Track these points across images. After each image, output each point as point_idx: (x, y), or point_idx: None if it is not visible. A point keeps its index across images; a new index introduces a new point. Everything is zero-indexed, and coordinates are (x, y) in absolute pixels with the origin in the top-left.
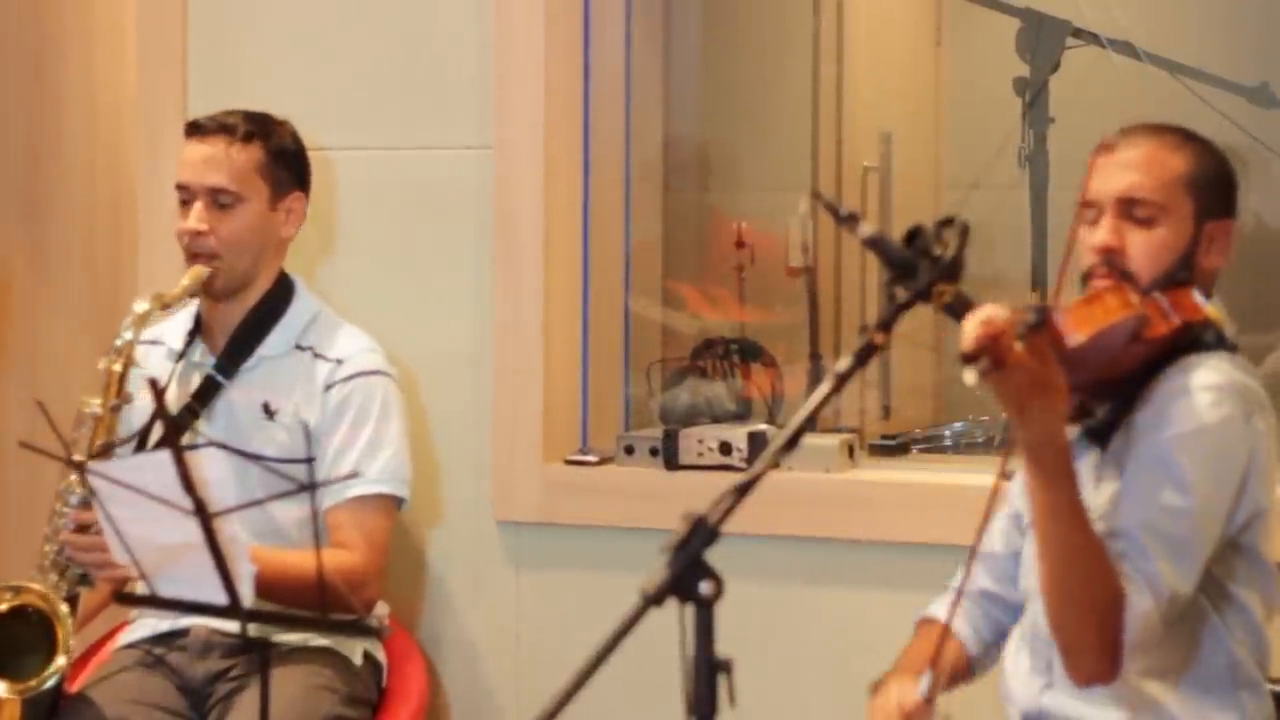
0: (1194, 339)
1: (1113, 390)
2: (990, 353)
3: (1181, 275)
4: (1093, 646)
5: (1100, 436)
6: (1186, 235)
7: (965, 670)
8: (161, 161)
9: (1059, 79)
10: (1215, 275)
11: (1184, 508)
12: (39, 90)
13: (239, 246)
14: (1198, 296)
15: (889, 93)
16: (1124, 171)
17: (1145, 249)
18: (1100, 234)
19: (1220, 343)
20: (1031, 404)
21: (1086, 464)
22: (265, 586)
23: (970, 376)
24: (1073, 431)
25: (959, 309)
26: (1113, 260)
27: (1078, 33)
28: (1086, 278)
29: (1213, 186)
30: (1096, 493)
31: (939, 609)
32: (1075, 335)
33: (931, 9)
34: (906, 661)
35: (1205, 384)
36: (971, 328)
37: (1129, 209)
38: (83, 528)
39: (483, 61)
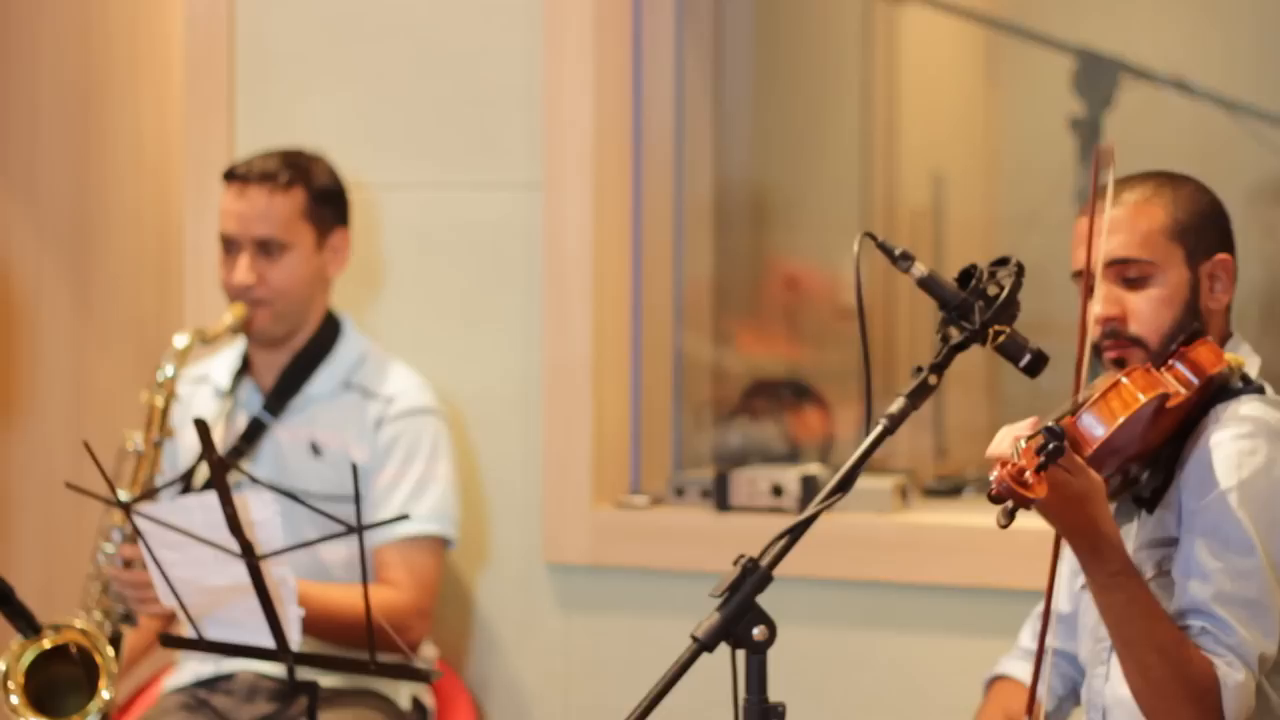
0: (1220, 388)
1: (1151, 458)
2: (1012, 496)
3: (1192, 326)
4: None
5: (1146, 502)
6: (1185, 283)
7: None
8: (207, 202)
9: (1113, 117)
10: (1227, 311)
11: (1250, 567)
12: (85, 132)
13: (289, 292)
14: (1214, 346)
15: (941, 133)
16: (1107, 235)
17: (1146, 310)
18: (1098, 305)
19: (1247, 384)
20: (1069, 518)
21: (1131, 530)
22: (311, 623)
23: (1002, 519)
24: (1119, 501)
25: (1013, 350)
26: (1117, 329)
27: (1131, 70)
28: (1096, 350)
29: (1199, 226)
30: (1142, 558)
31: (1012, 668)
32: (1097, 435)
33: (983, 48)
34: None
35: (1237, 434)
36: (993, 470)
37: (1121, 272)
38: (127, 563)
39: (532, 100)
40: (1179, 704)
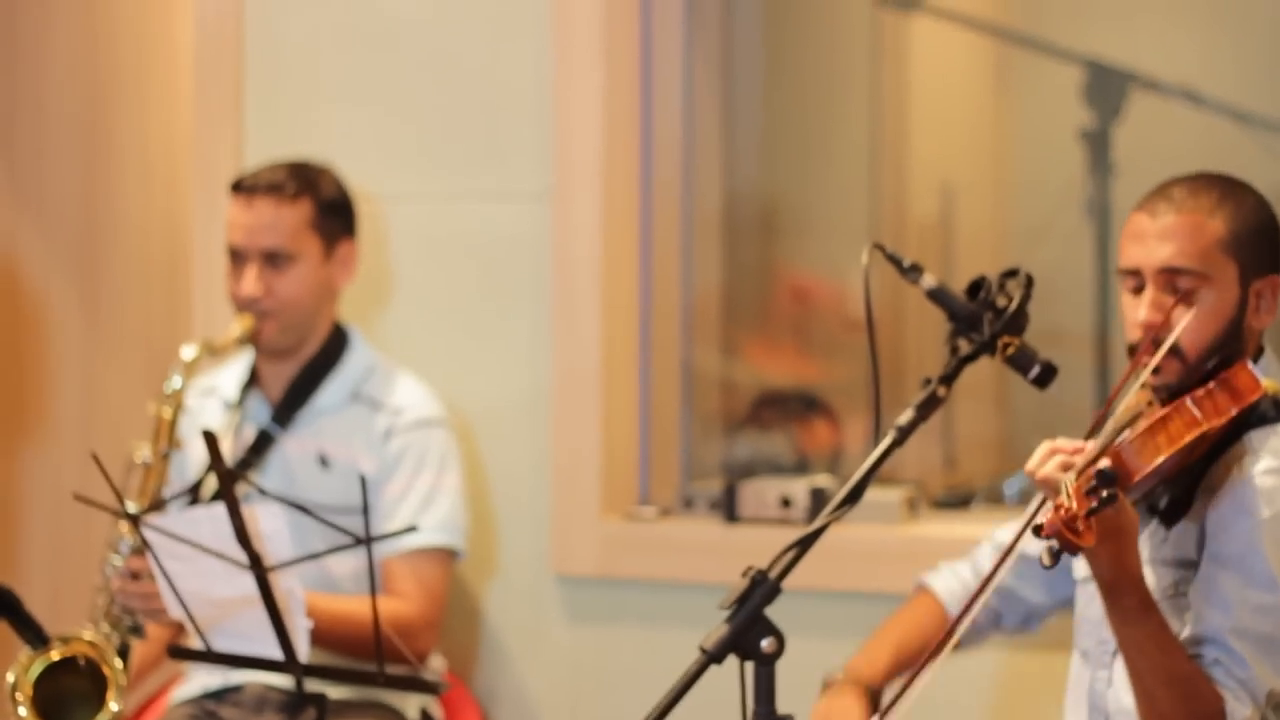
0: (1252, 414)
1: (1176, 479)
2: (1062, 541)
3: (1231, 347)
4: None
5: (1161, 514)
6: (1233, 300)
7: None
8: (216, 214)
9: (1123, 128)
10: (1261, 333)
11: (1270, 603)
12: (93, 143)
13: (297, 304)
14: (1250, 372)
15: (950, 144)
16: (1162, 241)
17: (1191, 322)
18: (1144, 310)
19: (1278, 412)
20: (1103, 554)
21: (1141, 538)
22: (319, 634)
23: (1047, 558)
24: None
25: (1022, 361)
26: (1159, 338)
27: (1141, 81)
28: (1132, 350)
29: (1256, 243)
30: (1157, 573)
31: (940, 583)
32: (1141, 468)
33: (992, 59)
34: (890, 638)
35: (1270, 467)
36: (1046, 512)
37: (1171, 280)
38: (134, 575)
39: (541, 111)
40: None
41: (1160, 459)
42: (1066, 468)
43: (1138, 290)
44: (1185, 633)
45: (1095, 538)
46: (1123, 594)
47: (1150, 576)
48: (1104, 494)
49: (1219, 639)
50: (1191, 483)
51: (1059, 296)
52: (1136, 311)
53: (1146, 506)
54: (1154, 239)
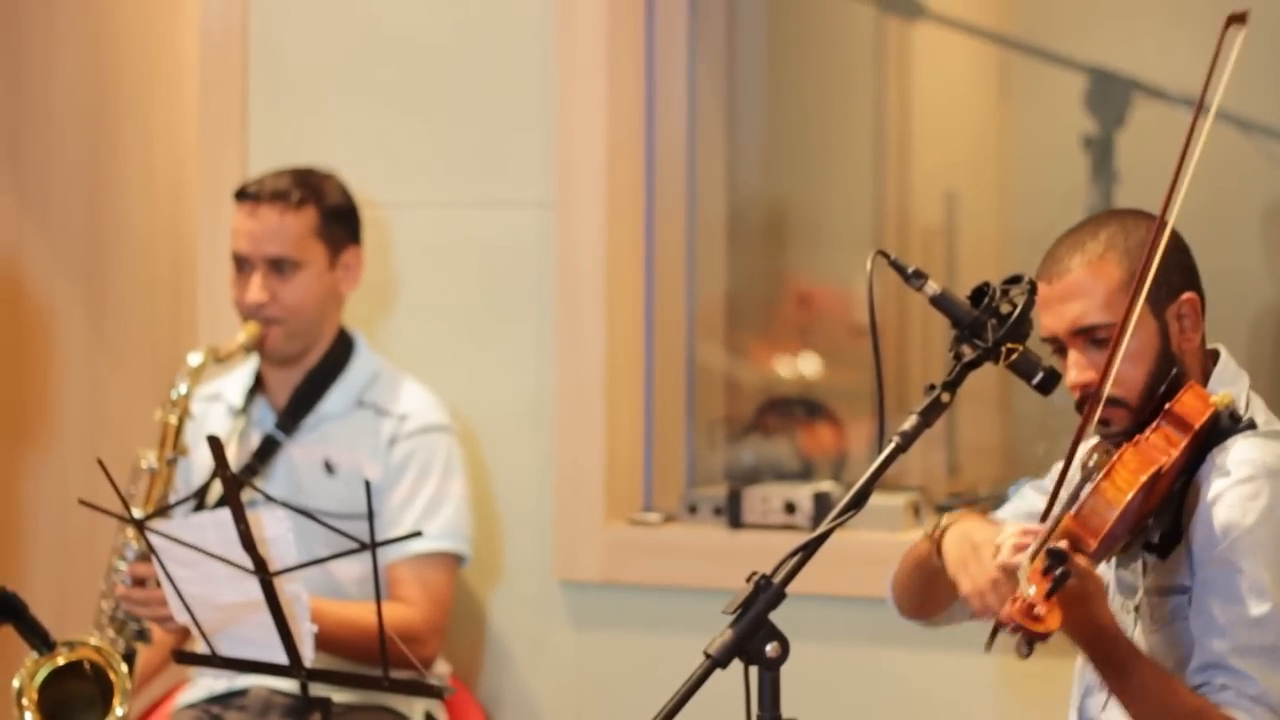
0: (1211, 431)
1: (1159, 513)
2: (1026, 633)
3: (1170, 374)
4: None
5: (1156, 548)
6: (1154, 334)
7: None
8: (221, 220)
9: (1126, 135)
10: (1199, 347)
11: (1266, 614)
12: (98, 150)
13: (302, 311)
14: (1198, 390)
15: (953, 151)
16: (1067, 303)
17: (1120, 371)
18: (1072, 373)
19: (1235, 423)
20: (1073, 621)
21: (1137, 570)
22: (324, 639)
23: (1022, 649)
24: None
25: (1026, 368)
26: (1094, 393)
27: (1144, 89)
28: (1078, 408)
29: (1160, 273)
30: (1151, 603)
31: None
32: (1098, 528)
33: (995, 66)
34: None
35: (1237, 479)
36: (1004, 610)
37: (1089, 336)
38: (139, 581)
39: (545, 118)
40: None
41: (1116, 512)
42: (1021, 549)
43: (1062, 354)
44: (1192, 665)
45: (1059, 616)
46: (1105, 649)
47: (1145, 608)
48: (1058, 572)
49: (1221, 663)
50: (1175, 511)
51: None
52: (1067, 376)
53: (1142, 544)
54: (1057, 303)
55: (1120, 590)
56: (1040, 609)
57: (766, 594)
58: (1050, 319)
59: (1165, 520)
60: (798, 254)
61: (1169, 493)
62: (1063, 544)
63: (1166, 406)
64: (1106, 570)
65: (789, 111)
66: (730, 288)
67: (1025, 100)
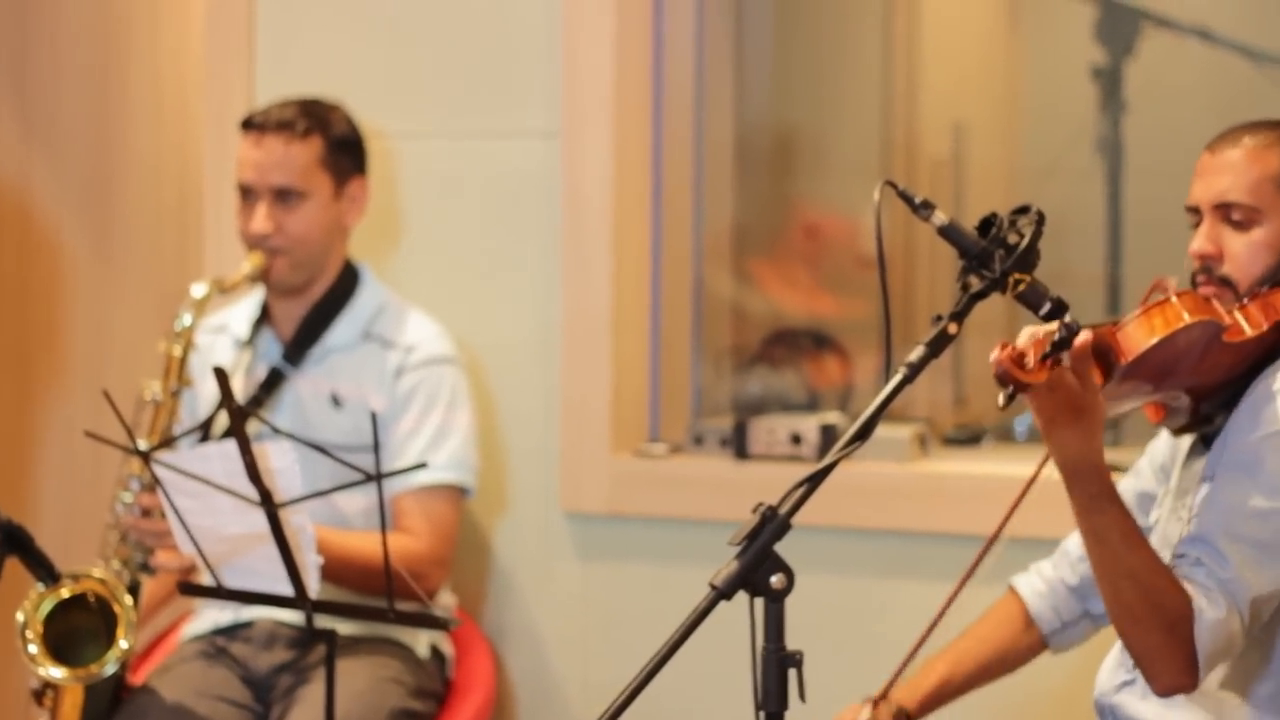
0: None
1: (1221, 396)
2: (1008, 379)
3: None
4: (1165, 659)
5: (1210, 441)
6: None
7: (1036, 647)
8: (227, 151)
9: (1135, 65)
10: None
11: (1270, 509)
12: (105, 81)
13: (307, 241)
14: None
15: (962, 80)
16: (1219, 175)
17: (1243, 254)
18: (1196, 241)
19: None
20: (1059, 426)
21: (1194, 470)
22: (329, 570)
23: (1000, 399)
24: (1190, 438)
25: (1033, 298)
26: (1210, 268)
27: (1153, 19)
28: (1192, 283)
29: None
30: (1200, 497)
31: (1023, 582)
32: (1132, 349)
33: None
34: (953, 650)
35: None
36: (997, 355)
37: (1226, 213)
38: (145, 511)
39: (551, 47)
40: (1149, 631)
41: (1156, 338)
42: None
43: (1198, 225)
44: (1180, 539)
45: (1045, 377)
46: (1083, 480)
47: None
48: (1058, 336)
49: (1208, 539)
50: (1232, 400)
51: (1070, 234)
52: (1191, 244)
53: (1200, 437)
54: (1210, 173)
55: (1176, 495)
56: (1030, 361)
57: (772, 525)
58: (1199, 188)
59: (1222, 408)
60: (806, 183)
61: (1234, 376)
62: (1087, 335)
63: (1263, 293)
64: (1163, 478)
65: (797, 39)
66: (738, 217)
67: (1034, 30)
